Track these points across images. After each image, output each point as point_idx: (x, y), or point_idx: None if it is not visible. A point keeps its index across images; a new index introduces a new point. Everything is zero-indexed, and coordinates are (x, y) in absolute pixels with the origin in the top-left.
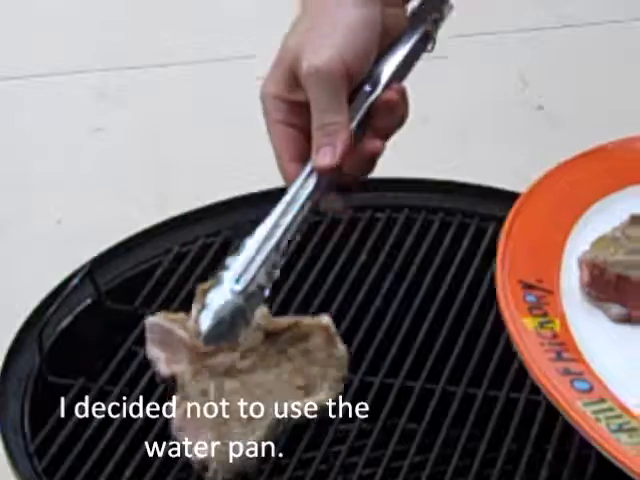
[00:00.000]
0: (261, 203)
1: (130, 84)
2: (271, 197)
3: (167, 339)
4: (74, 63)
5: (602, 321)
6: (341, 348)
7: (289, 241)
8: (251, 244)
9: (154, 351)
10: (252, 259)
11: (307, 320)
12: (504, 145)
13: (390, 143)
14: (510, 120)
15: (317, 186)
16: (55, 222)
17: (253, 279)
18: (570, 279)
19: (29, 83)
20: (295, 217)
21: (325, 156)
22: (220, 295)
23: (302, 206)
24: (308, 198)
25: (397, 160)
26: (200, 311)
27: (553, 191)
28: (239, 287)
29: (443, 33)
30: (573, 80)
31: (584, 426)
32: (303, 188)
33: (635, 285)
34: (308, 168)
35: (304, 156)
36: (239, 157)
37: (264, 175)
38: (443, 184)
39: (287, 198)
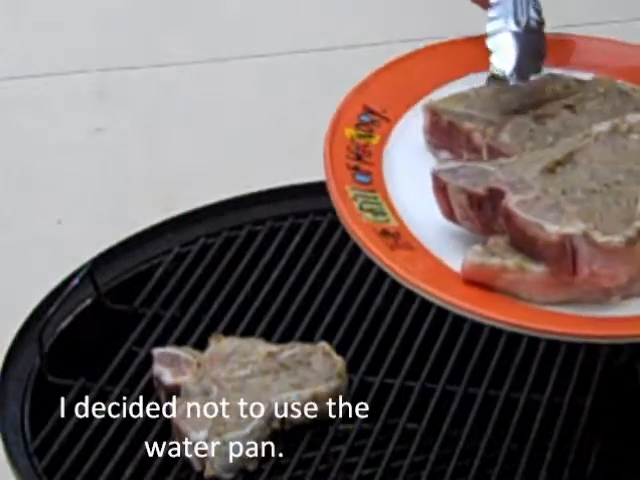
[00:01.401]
0: (261, 203)
1: (130, 84)
2: (271, 197)
3: (174, 361)
4: (74, 63)
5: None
6: (338, 359)
7: None
8: None
9: (159, 368)
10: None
11: (307, 346)
12: None
13: None
14: None
15: None
16: (55, 222)
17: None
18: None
19: (29, 83)
20: None
21: None
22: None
23: None
24: None
25: None
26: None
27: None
28: (519, 27)
29: (443, 33)
30: None
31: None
32: None
33: (463, 134)
34: None
35: None
36: (239, 157)
37: (264, 175)
38: None
39: None
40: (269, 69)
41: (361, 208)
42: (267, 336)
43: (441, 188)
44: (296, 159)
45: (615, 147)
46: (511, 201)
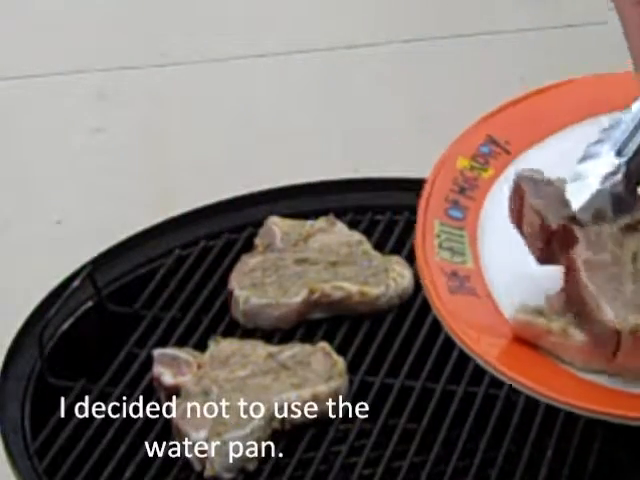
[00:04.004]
0: (262, 203)
1: (130, 84)
2: (271, 197)
3: (174, 362)
4: (74, 63)
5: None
6: (338, 359)
7: None
8: (630, 117)
9: (159, 369)
10: (634, 131)
11: (307, 346)
12: None
13: (390, 143)
14: None
15: None
16: (55, 222)
17: (637, 150)
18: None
19: (29, 83)
20: None
21: None
22: (599, 166)
23: None
24: None
25: (397, 160)
26: (572, 181)
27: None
28: (622, 159)
29: (443, 33)
30: None
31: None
32: None
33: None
34: None
35: None
36: (239, 157)
37: (264, 175)
38: None
39: None
40: (269, 69)
41: (440, 245)
42: (267, 338)
43: (519, 196)
44: (296, 159)
45: None
46: (580, 257)
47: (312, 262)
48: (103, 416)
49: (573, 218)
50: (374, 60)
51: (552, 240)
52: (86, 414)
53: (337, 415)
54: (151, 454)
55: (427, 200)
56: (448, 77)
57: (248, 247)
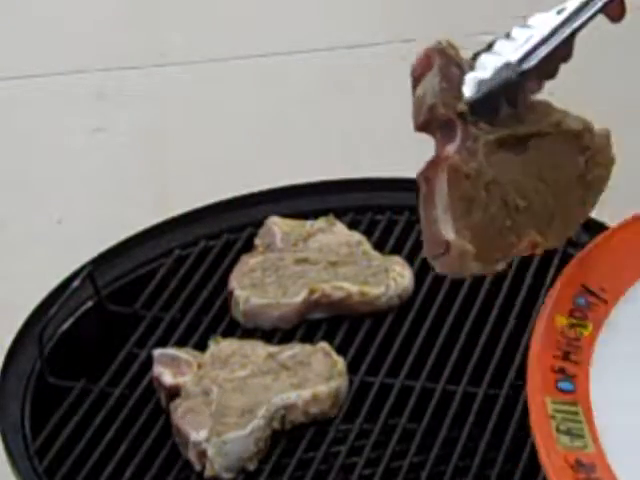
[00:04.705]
0: (261, 203)
1: (130, 84)
2: (271, 197)
3: (174, 362)
4: (74, 63)
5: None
6: (338, 359)
7: (579, 29)
8: (545, 26)
9: (159, 369)
10: (546, 39)
11: (307, 346)
12: None
13: (390, 143)
14: None
15: None
16: (55, 222)
17: (539, 62)
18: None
19: (29, 83)
20: (591, 16)
21: None
22: (497, 64)
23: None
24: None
25: (397, 160)
26: (469, 71)
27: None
28: (523, 66)
29: (443, 34)
30: (573, 80)
31: (533, 413)
32: None
33: None
34: None
35: None
36: (239, 157)
37: (264, 175)
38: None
39: None
40: (269, 69)
41: (558, 429)
42: (267, 338)
43: (426, 64)
44: (296, 159)
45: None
46: (447, 159)
47: (312, 262)
48: (103, 417)
49: (462, 114)
50: (374, 60)
51: (432, 122)
52: (86, 415)
53: (337, 415)
54: (151, 454)
55: (534, 373)
56: None
57: (248, 247)
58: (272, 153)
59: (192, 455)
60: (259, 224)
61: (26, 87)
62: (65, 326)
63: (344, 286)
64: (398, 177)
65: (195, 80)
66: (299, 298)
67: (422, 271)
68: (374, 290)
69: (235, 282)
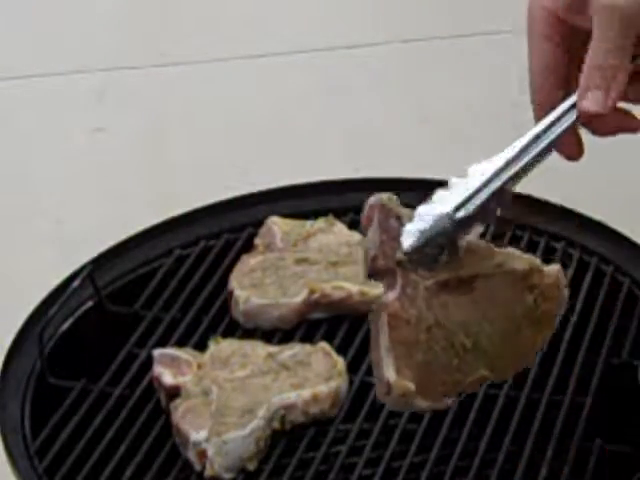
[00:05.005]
0: (262, 203)
1: (130, 84)
2: (271, 197)
3: (174, 362)
4: (74, 63)
5: None
6: (338, 359)
7: (517, 178)
8: (482, 172)
9: (159, 369)
10: (480, 189)
11: (307, 346)
12: (504, 145)
13: (390, 143)
14: (510, 120)
15: (568, 129)
16: (55, 222)
17: (475, 210)
18: None
19: (29, 83)
20: (539, 154)
21: (596, 101)
22: (433, 214)
23: (548, 145)
24: (557, 137)
25: (397, 160)
26: (408, 221)
27: None
28: (458, 215)
29: (443, 33)
30: None
31: None
32: (556, 126)
33: None
34: (566, 104)
35: (561, 83)
36: (239, 157)
37: (264, 175)
38: (443, 184)
39: (536, 130)
40: (269, 69)
41: None
42: (267, 338)
43: (368, 217)
44: (296, 159)
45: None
46: (388, 308)
47: (312, 262)
48: (103, 416)
49: (400, 262)
50: (374, 60)
51: (376, 272)
52: (86, 415)
53: (337, 415)
54: (151, 454)
55: None
56: (448, 77)
57: (248, 247)
58: (272, 153)
59: (192, 455)
60: (259, 224)
61: (26, 87)
62: (65, 326)
63: (344, 286)
64: (398, 177)
65: (195, 80)
66: (299, 298)
67: None
68: (374, 290)
69: (235, 282)
